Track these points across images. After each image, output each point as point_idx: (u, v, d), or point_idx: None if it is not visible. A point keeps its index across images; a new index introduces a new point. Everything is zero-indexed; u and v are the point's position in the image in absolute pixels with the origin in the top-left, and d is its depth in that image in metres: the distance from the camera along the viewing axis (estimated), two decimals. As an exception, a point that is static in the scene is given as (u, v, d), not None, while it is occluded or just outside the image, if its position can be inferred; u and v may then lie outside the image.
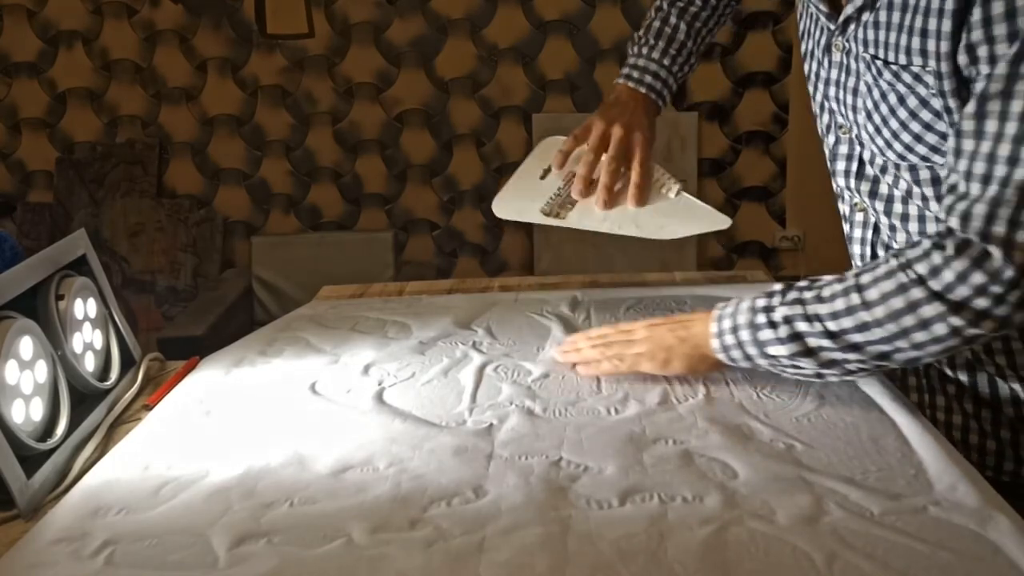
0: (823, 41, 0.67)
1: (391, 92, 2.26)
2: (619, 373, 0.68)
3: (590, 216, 0.77)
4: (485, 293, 0.96)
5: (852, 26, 0.62)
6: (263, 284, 2.22)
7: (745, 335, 0.62)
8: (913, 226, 0.65)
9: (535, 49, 2.22)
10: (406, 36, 2.22)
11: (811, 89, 0.71)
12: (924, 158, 0.61)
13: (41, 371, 0.64)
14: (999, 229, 0.52)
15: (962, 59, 0.54)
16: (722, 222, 0.74)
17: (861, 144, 0.66)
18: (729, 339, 0.63)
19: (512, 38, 2.22)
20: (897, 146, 0.62)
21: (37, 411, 0.63)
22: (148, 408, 0.72)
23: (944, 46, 0.55)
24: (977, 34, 0.53)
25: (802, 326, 0.59)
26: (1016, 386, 0.65)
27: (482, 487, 0.54)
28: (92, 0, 2.23)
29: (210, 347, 0.84)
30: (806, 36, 0.70)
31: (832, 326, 0.58)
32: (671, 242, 0.74)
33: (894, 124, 0.61)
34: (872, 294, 0.57)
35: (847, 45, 0.64)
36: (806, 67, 0.71)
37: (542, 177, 0.82)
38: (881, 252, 0.70)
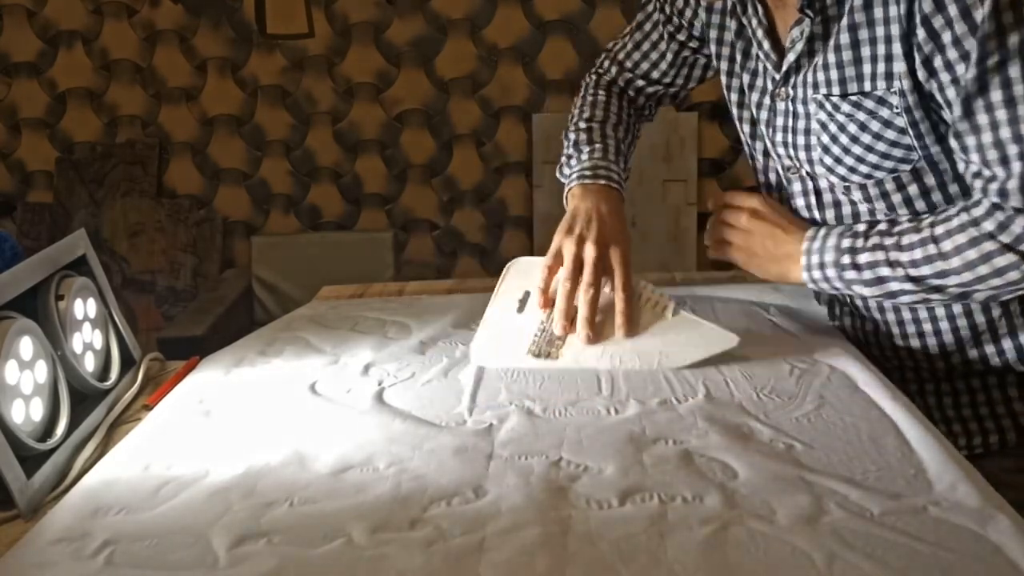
0: (768, 92, 0.72)
1: (391, 92, 2.26)
2: (720, 255, 0.76)
3: (586, 352, 0.70)
4: (485, 293, 0.96)
5: (794, 76, 0.69)
6: (263, 284, 2.23)
7: (831, 272, 0.68)
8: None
9: (535, 49, 2.22)
10: (406, 36, 2.22)
11: (757, 138, 0.76)
12: (892, 171, 0.67)
13: (41, 371, 0.64)
14: None
15: (921, 74, 0.61)
16: (730, 341, 0.68)
17: (814, 178, 0.72)
18: (816, 274, 0.69)
19: (512, 38, 2.22)
20: (863, 168, 0.67)
21: (37, 411, 0.63)
22: (148, 408, 0.72)
23: (900, 66, 0.62)
24: (928, 48, 0.60)
25: (884, 271, 0.66)
26: (974, 353, 0.71)
27: (482, 487, 0.54)
28: (92, 0, 2.23)
29: (210, 347, 0.84)
30: (749, 91, 0.75)
31: (913, 272, 0.65)
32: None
33: (857, 150, 0.67)
34: (947, 246, 0.63)
35: (791, 93, 0.70)
36: (743, 128, 0.77)
37: (519, 310, 0.74)
38: None
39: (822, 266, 0.69)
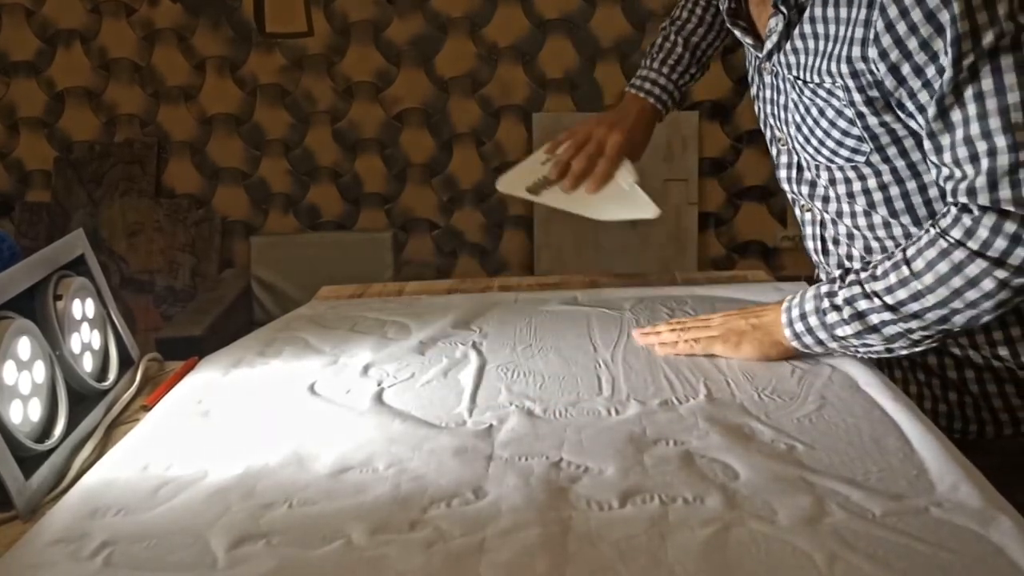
0: (756, 66, 0.78)
1: (390, 91, 2.26)
2: (694, 354, 0.74)
3: (557, 196, 0.91)
4: (485, 293, 0.96)
5: (775, 55, 0.73)
6: (262, 284, 2.22)
7: (813, 321, 0.68)
8: (848, 220, 0.74)
9: (535, 48, 2.22)
10: (406, 35, 2.22)
11: (755, 108, 0.81)
12: (848, 159, 0.69)
13: (39, 371, 0.64)
14: (1005, 192, 0.58)
15: (889, 82, 0.62)
16: (649, 211, 0.86)
17: (796, 152, 0.76)
18: (799, 326, 0.69)
19: (512, 37, 2.21)
20: (824, 151, 0.70)
21: (35, 412, 0.63)
22: (146, 409, 0.72)
23: (845, 68, 0.64)
24: (894, 55, 0.60)
25: (863, 304, 0.65)
26: (956, 351, 0.72)
27: (482, 488, 0.54)
28: (90, -1, 2.23)
29: (209, 347, 0.83)
30: (747, 63, 0.81)
31: (889, 300, 0.63)
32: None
33: (819, 133, 0.70)
34: (919, 264, 0.62)
35: (775, 69, 0.74)
36: (751, 89, 0.82)
37: (543, 163, 0.94)
38: (830, 246, 0.78)
39: (803, 317, 0.68)
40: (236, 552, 0.49)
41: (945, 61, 0.58)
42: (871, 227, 0.72)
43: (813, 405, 0.63)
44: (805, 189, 0.77)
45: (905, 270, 0.63)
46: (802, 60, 0.69)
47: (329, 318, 0.89)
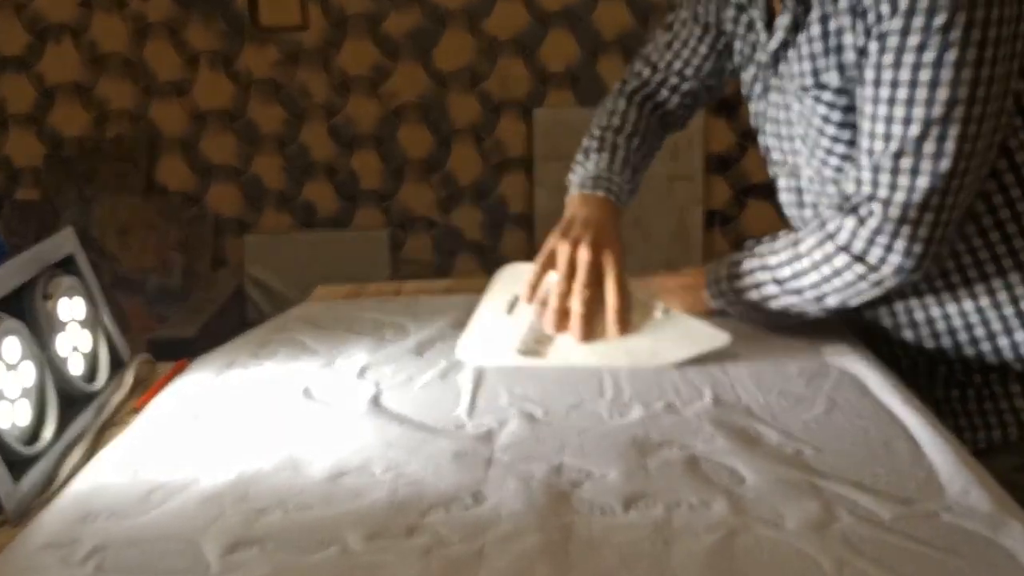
0: (761, 85, 0.76)
1: (388, 86, 2.24)
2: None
3: (574, 350, 0.70)
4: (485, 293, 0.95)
5: (780, 64, 0.71)
6: (256, 284, 2.21)
7: (724, 286, 0.74)
8: None
9: (536, 41, 2.20)
10: (403, 28, 2.20)
11: (759, 135, 0.80)
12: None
13: (28, 373, 0.63)
14: (882, 192, 0.64)
15: (850, 56, 0.64)
16: (721, 340, 0.69)
17: (798, 176, 0.75)
18: (715, 288, 0.75)
19: (512, 30, 2.20)
20: (832, 160, 0.69)
21: (24, 414, 0.62)
22: (137, 411, 0.71)
23: (850, 56, 0.64)
24: (874, 30, 0.61)
25: (760, 275, 0.72)
26: (971, 351, 0.73)
27: (481, 493, 0.53)
28: (81, -7, 2.20)
29: (201, 348, 0.82)
30: (752, 83, 0.78)
31: (778, 274, 0.71)
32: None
33: (825, 143, 0.69)
34: (803, 247, 0.70)
35: (779, 83, 0.73)
36: (752, 113, 0.80)
37: (509, 311, 0.75)
38: None
39: (718, 281, 0.74)
40: (229, 558, 0.48)
41: (899, 28, 0.59)
42: None
43: (821, 408, 0.62)
44: (808, 213, 0.76)
45: (791, 251, 0.70)
46: (808, 67, 0.68)
47: (325, 319, 0.88)
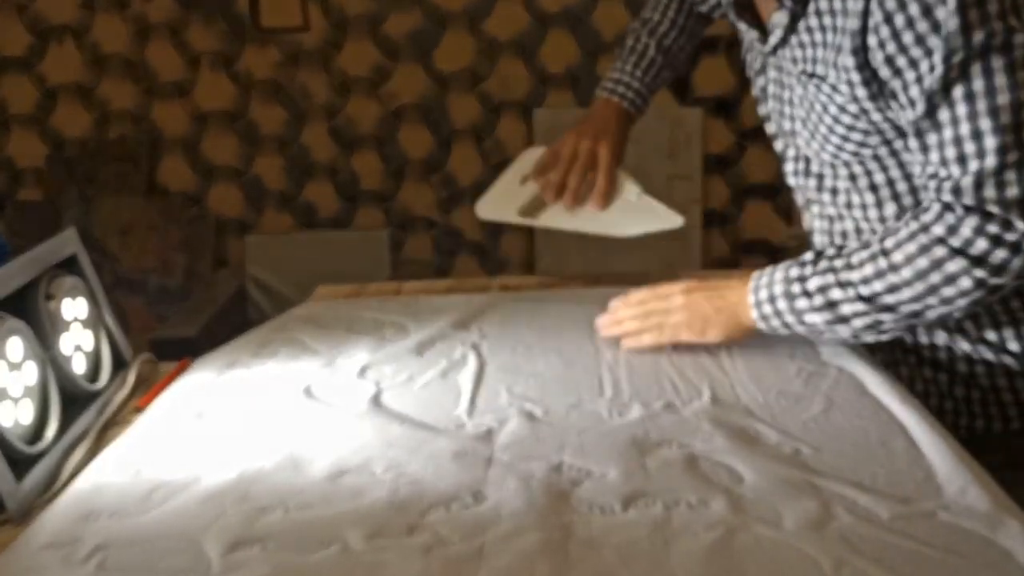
0: (760, 62, 0.76)
1: (388, 87, 2.24)
2: (661, 344, 0.72)
3: (560, 217, 0.88)
4: (485, 293, 0.95)
5: (780, 49, 0.71)
6: (257, 284, 2.21)
7: (782, 305, 0.67)
8: (857, 212, 0.73)
9: (536, 42, 2.20)
10: (403, 29, 2.20)
11: (758, 106, 0.80)
12: (855, 153, 0.68)
13: (30, 373, 0.63)
14: (991, 192, 0.59)
15: (884, 72, 0.62)
16: (674, 220, 0.82)
17: (801, 148, 0.75)
18: (767, 309, 0.68)
19: (512, 31, 2.20)
20: (829, 147, 0.70)
21: (26, 414, 0.62)
22: (139, 411, 0.71)
23: (850, 61, 0.63)
24: (891, 47, 0.60)
25: (836, 294, 0.64)
26: (966, 345, 0.71)
27: (481, 492, 0.53)
28: (83, -6, 2.21)
29: (203, 348, 0.83)
30: (748, 58, 0.79)
31: (864, 291, 0.63)
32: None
33: (823, 129, 0.69)
34: (898, 257, 0.62)
35: (780, 64, 0.73)
36: (753, 88, 0.79)
37: (522, 183, 0.91)
38: (838, 240, 0.76)
39: (772, 299, 0.67)
40: (230, 557, 0.48)
41: (937, 58, 0.58)
42: (881, 219, 0.72)
43: (819, 407, 0.62)
44: (812, 182, 0.76)
45: (883, 262, 0.62)
46: (808, 54, 0.68)
47: (325, 318, 0.89)
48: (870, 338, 0.66)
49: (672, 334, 0.72)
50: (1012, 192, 0.58)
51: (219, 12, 2.20)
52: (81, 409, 0.68)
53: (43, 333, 0.65)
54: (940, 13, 0.57)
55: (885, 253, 0.62)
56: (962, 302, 0.61)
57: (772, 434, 0.59)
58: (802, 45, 0.69)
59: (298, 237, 2.28)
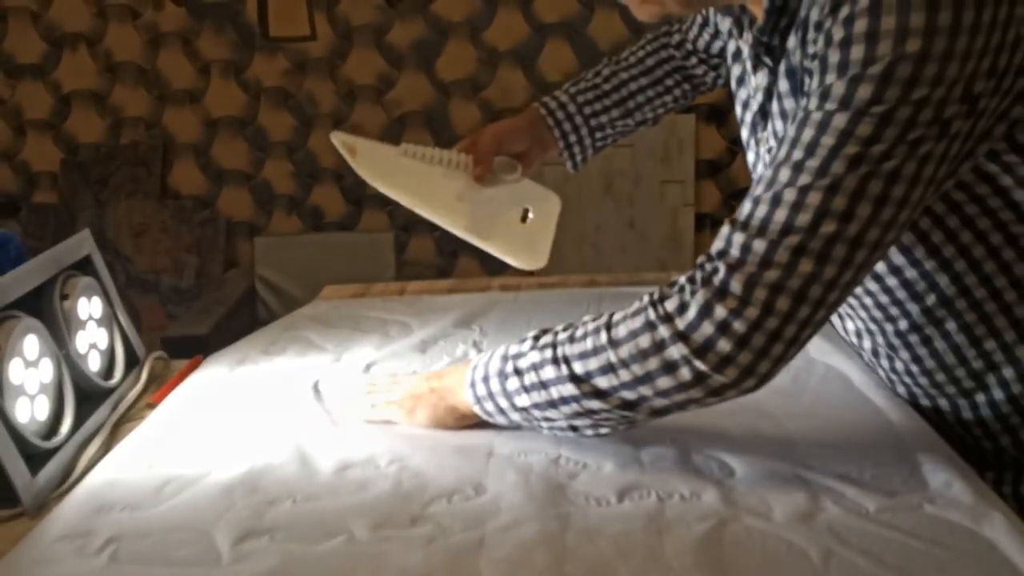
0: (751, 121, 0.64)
1: (392, 94, 2.26)
2: (372, 421, 0.63)
3: (440, 203, 0.78)
4: (485, 293, 0.96)
5: (762, 121, 0.61)
6: (266, 284, 2.23)
7: (495, 385, 0.57)
8: None
9: (534, 51, 2.23)
10: (407, 39, 2.23)
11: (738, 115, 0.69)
12: None
13: (46, 370, 0.64)
14: (751, 268, 0.47)
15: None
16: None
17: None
18: (481, 389, 0.58)
19: (512, 41, 2.22)
20: None
21: (42, 410, 0.63)
22: (152, 407, 0.73)
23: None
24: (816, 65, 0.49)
25: (549, 372, 0.54)
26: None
27: (482, 484, 0.54)
28: (96, 3, 2.24)
29: (213, 346, 0.84)
30: (743, 110, 0.65)
31: (578, 368, 0.52)
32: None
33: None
34: (620, 331, 0.51)
35: (766, 137, 0.61)
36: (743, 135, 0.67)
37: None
38: None
39: (486, 379, 0.57)
40: (240, 547, 0.49)
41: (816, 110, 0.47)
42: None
43: (808, 402, 0.63)
44: None
45: (604, 336, 0.51)
46: (780, 126, 0.58)
47: (332, 317, 0.90)
48: (589, 431, 0.56)
49: (383, 412, 0.63)
50: (769, 276, 0.46)
51: (229, 22, 2.23)
52: (95, 405, 0.70)
53: (58, 331, 0.67)
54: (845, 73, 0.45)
55: (609, 327, 0.52)
56: (679, 397, 0.50)
57: (763, 428, 0.60)
58: (781, 114, 0.57)
59: (306, 239, 2.30)
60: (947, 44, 0.45)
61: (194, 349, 0.87)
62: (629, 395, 0.52)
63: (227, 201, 2.34)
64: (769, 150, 0.60)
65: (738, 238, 0.49)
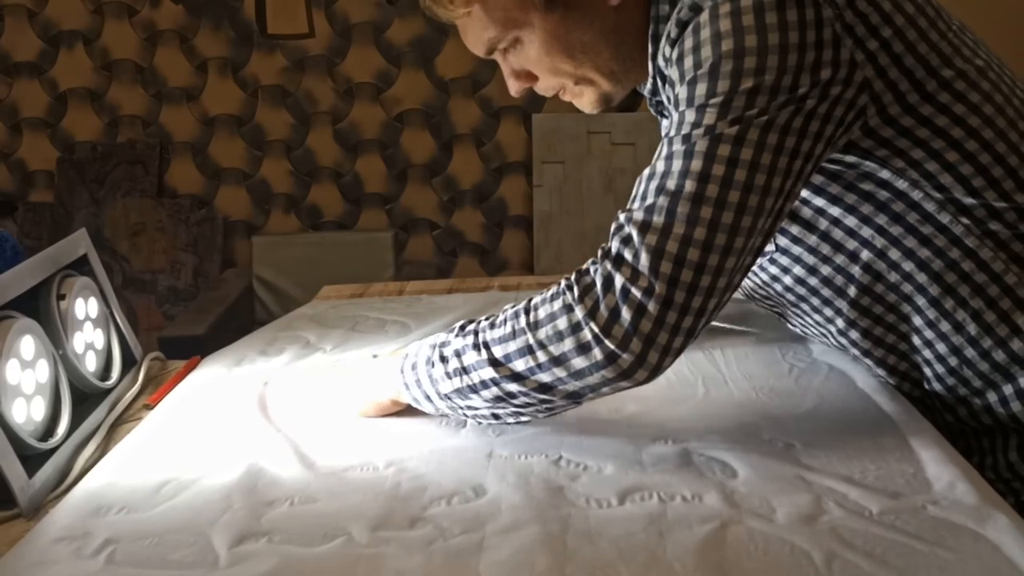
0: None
1: (391, 92, 2.26)
2: (326, 411, 0.64)
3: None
4: (485, 292, 0.96)
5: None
6: (264, 284, 2.23)
7: (422, 372, 0.58)
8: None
9: (535, 49, 2.22)
10: (406, 36, 2.22)
11: None
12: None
13: (42, 370, 0.64)
14: (651, 240, 0.50)
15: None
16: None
17: None
18: (409, 376, 0.59)
19: (512, 38, 2.21)
20: None
21: (39, 410, 0.63)
22: (149, 408, 0.73)
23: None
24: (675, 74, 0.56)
25: (470, 357, 0.54)
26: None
27: (482, 486, 0.54)
28: (93, 0, 2.23)
29: (211, 346, 0.84)
30: None
31: (498, 352, 0.53)
32: None
33: None
34: (540, 314, 0.52)
35: None
36: None
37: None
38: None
39: (414, 366, 0.58)
40: (238, 550, 0.49)
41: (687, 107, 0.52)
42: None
43: (811, 403, 0.63)
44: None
45: (523, 319, 0.52)
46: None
47: (330, 317, 0.90)
48: (511, 419, 0.57)
49: (333, 401, 0.64)
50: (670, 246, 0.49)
51: (226, 19, 2.22)
52: (92, 406, 0.69)
53: (55, 332, 0.67)
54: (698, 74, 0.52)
55: (528, 311, 0.53)
56: (592, 380, 0.51)
57: (764, 430, 0.60)
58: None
59: (304, 238, 2.30)
60: (759, 40, 0.51)
61: (191, 349, 0.87)
62: (545, 377, 0.53)
63: (224, 200, 2.33)
64: None
65: (625, 216, 0.54)
